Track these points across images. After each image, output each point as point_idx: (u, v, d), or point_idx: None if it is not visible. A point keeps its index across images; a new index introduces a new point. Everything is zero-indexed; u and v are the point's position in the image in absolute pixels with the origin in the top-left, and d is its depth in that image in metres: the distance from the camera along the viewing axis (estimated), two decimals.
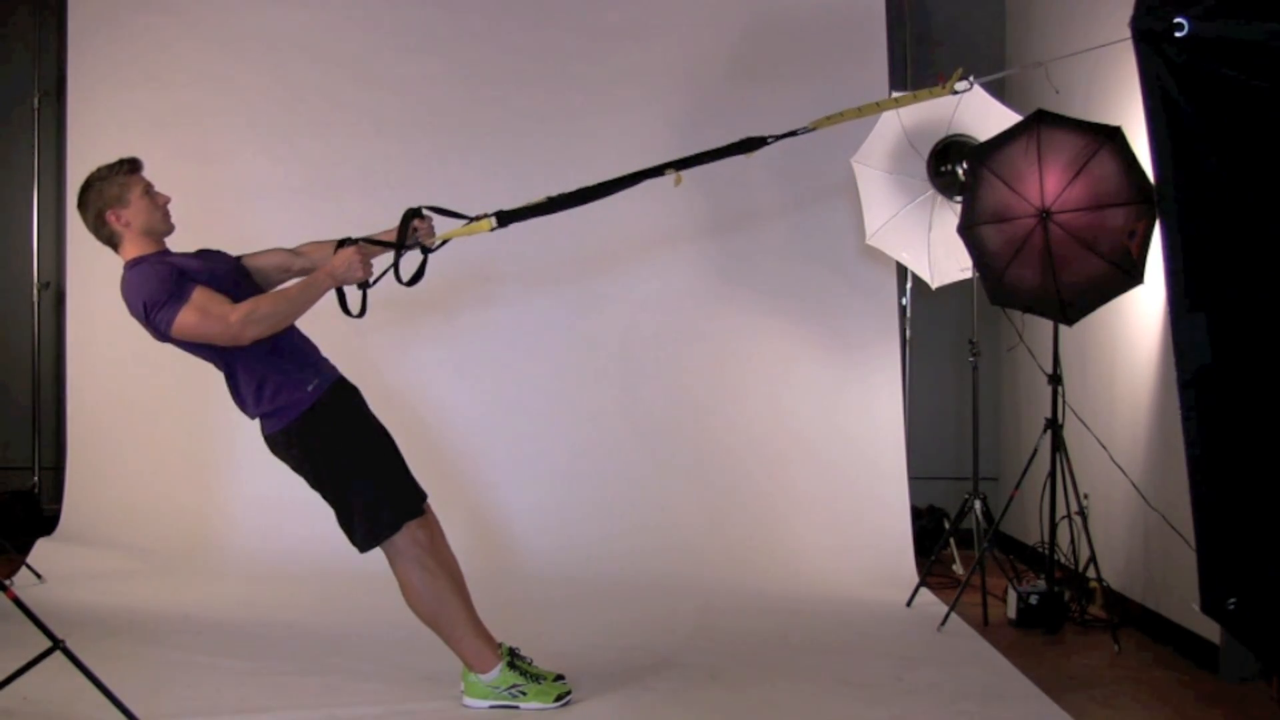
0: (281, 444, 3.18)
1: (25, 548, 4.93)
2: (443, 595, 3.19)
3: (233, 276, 3.17)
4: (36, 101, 5.82)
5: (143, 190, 3.16)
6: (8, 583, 3.17)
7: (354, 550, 3.23)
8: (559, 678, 3.32)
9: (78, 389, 5.37)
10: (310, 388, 3.14)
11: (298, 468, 3.20)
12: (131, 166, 3.18)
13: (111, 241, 3.18)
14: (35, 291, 5.83)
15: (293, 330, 3.21)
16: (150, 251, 3.15)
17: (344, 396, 3.22)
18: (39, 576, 4.68)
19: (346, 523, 3.19)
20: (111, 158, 3.21)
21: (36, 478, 5.84)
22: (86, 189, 3.16)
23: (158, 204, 3.18)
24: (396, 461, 3.23)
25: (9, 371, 5.93)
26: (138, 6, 5.39)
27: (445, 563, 3.24)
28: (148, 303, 3.02)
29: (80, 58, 5.40)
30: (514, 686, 3.23)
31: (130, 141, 5.50)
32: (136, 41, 5.37)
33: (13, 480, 5.81)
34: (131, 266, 3.13)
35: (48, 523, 5.28)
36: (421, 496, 3.24)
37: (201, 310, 2.99)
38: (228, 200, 5.16)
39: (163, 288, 3.01)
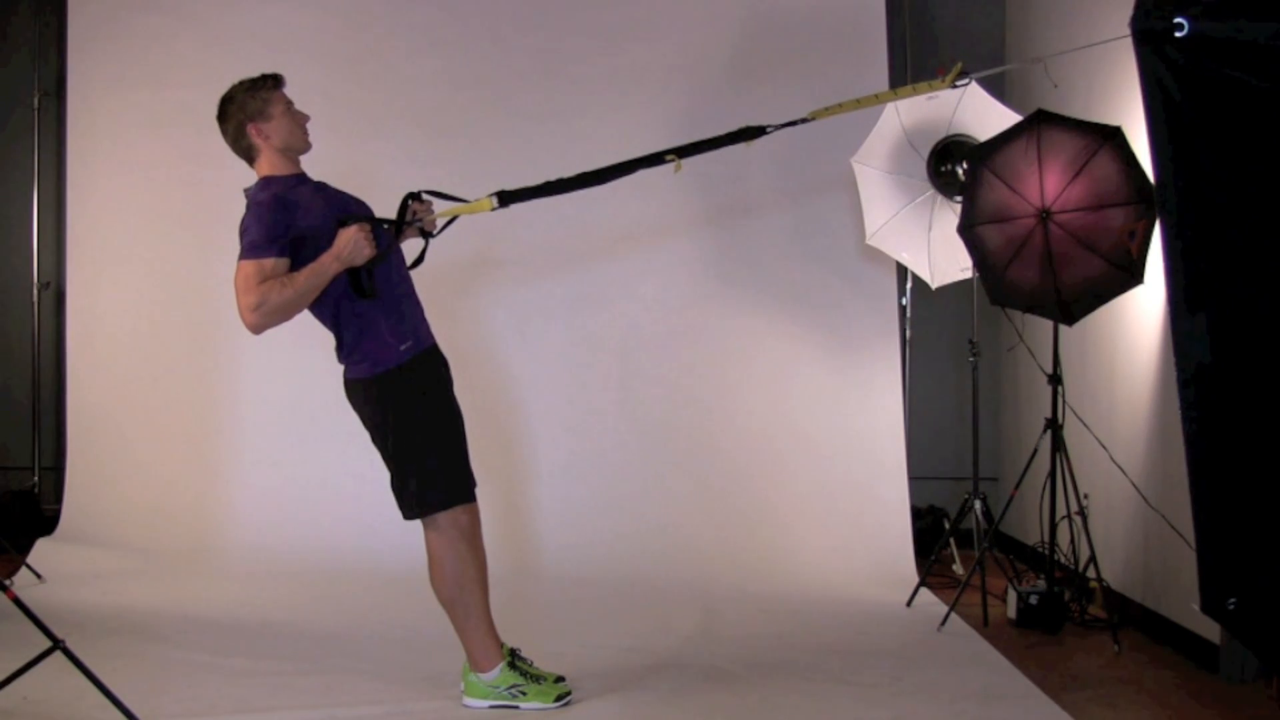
0: (360, 393, 3.19)
1: (25, 548, 4.93)
2: (466, 583, 3.20)
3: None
4: (36, 101, 5.82)
5: (285, 107, 3.18)
6: (8, 583, 3.17)
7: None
8: (559, 679, 3.32)
9: (78, 389, 5.37)
10: (403, 347, 3.15)
11: (367, 421, 3.21)
12: (275, 82, 3.19)
13: (249, 155, 3.19)
14: (35, 291, 5.83)
15: (405, 286, 3.22)
16: (284, 173, 3.16)
17: (432, 365, 3.24)
18: (39, 576, 4.68)
19: (400, 487, 3.20)
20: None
21: (36, 478, 5.84)
22: (228, 101, 3.17)
23: (298, 122, 3.19)
24: (462, 442, 3.25)
25: (9, 371, 5.93)
26: (138, 6, 5.40)
27: (477, 553, 3.25)
28: (244, 228, 3.04)
29: (80, 58, 5.40)
30: (514, 686, 3.23)
31: (130, 141, 5.55)
32: (136, 41, 5.38)
33: (13, 480, 5.82)
34: (263, 187, 3.14)
35: (48, 523, 5.28)
36: (473, 484, 3.26)
37: (247, 279, 2.97)
38: (227, 199, 5.14)
39: (258, 228, 3.01)
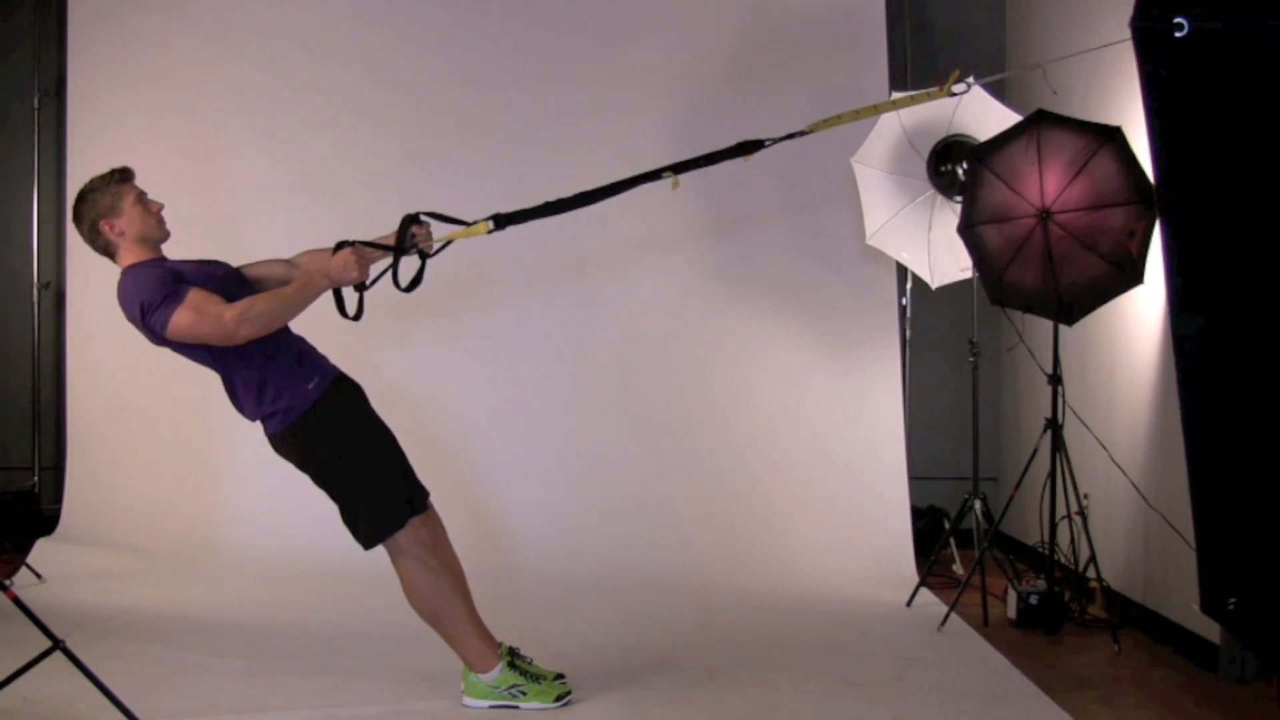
0: (284, 443, 3.19)
1: (25, 548, 4.93)
2: (444, 594, 3.20)
3: (229, 280, 3.18)
4: (36, 101, 5.82)
5: (135, 198, 3.17)
6: (8, 583, 3.17)
7: (354, 550, 3.24)
8: (559, 677, 3.32)
9: (78, 389, 5.37)
10: (311, 385, 3.14)
11: (301, 466, 3.21)
12: (123, 176, 3.18)
13: (108, 251, 3.19)
14: (35, 291, 5.83)
15: (288, 331, 3.21)
16: (147, 258, 3.16)
17: (345, 393, 3.22)
18: (39, 576, 4.68)
19: (350, 520, 3.19)
20: (112, 158, 3.22)
21: (36, 478, 5.84)
22: (80, 201, 3.16)
23: (151, 211, 3.18)
24: (399, 458, 3.23)
25: (9, 371, 5.93)
26: (138, 6, 5.40)
27: (447, 561, 3.24)
28: (144, 304, 3.02)
29: (80, 57, 5.40)
30: (514, 686, 3.23)
31: (130, 141, 5.54)
32: (136, 41, 5.38)
33: (13, 480, 5.82)
34: (128, 271, 3.14)
35: (48, 523, 5.28)
36: (424, 494, 3.24)
37: (196, 310, 2.99)
38: (227, 200, 5.16)
39: (158, 289, 3.01)
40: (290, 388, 3.12)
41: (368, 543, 3.19)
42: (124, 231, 3.14)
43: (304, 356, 3.20)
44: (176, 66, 5.31)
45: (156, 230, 3.19)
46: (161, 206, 3.22)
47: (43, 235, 5.84)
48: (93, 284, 5.39)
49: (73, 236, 5.39)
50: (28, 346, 5.87)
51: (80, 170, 5.42)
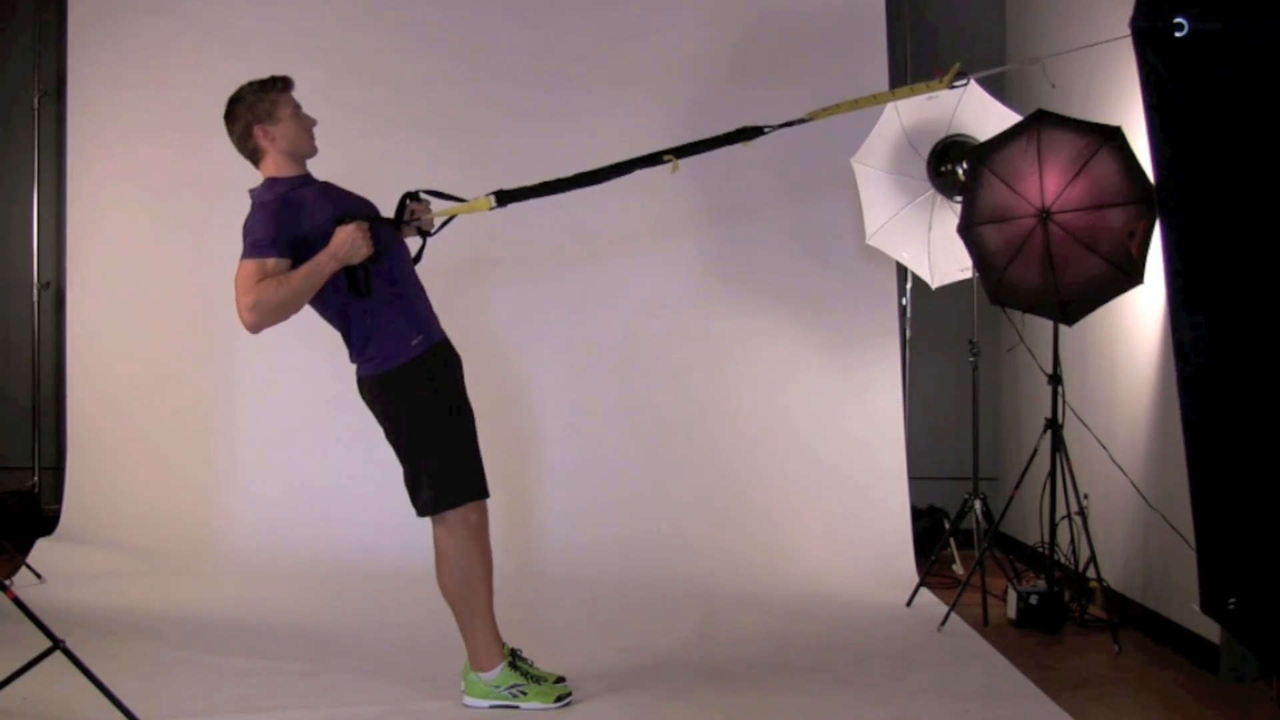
0: (374, 390, 3.18)
1: (25, 548, 4.93)
2: (473, 581, 3.20)
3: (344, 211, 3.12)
4: (36, 101, 5.82)
5: (293, 110, 3.18)
6: (8, 583, 3.17)
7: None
8: (559, 679, 3.32)
9: (78, 389, 5.37)
10: (415, 342, 3.14)
11: (381, 418, 3.21)
12: (284, 84, 3.19)
13: (254, 156, 3.19)
14: (35, 291, 5.83)
15: (412, 281, 3.22)
16: (289, 174, 3.16)
17: (444, 360, 3.23)
18: (39, 576, 4.68)
19: (413, 483, 3.19)
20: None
21: (36, 478, 5.84)
22: (237, 101, 3.17)
23: (305, 126, 3.19)
24: (473, 438, 3.24)
25: (9, 371, 5.93)
26: (138, 6, 5.40)
27: (484, 552, 3.25)
28: (246, 230, 3.04)
29: (80, 57, 5.40)
30: (514, 686, 3.23)
31: (130, 141, 5.54)
32: (136, 41, 5.38)
33: (13, 480, 5.82)
34: (268, 188, 3.14)
35: (48, 523, 5.28)
36: (486, 480, 3.25)
37: (247, 278, 2.97)
38: (228, 198, 5.15)
39: (262, 228, 3.01)
40: (395, 339, 3.13)
41: (423, 510, 3.19)
42: (276, 140, 3.15)
43: (418, 313, 3.20)
44: (177, 67, 5.31)
45: (308, 145, 3.21)
46: (315, 123, 3.22)
47: (43, 235, 5.84)
48: (93, 284, 5.40)
49: (73, 236, 5.43)
50: (28, 346, 5.87)
51: (80, 170, 5.44)
